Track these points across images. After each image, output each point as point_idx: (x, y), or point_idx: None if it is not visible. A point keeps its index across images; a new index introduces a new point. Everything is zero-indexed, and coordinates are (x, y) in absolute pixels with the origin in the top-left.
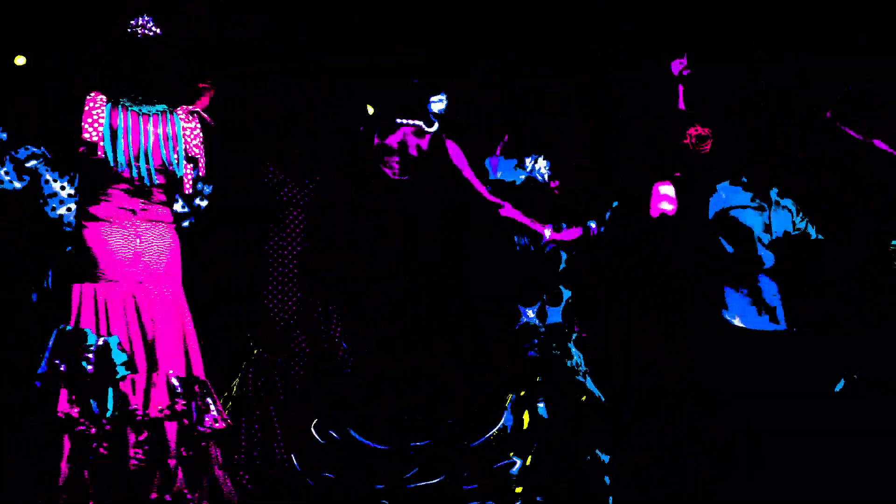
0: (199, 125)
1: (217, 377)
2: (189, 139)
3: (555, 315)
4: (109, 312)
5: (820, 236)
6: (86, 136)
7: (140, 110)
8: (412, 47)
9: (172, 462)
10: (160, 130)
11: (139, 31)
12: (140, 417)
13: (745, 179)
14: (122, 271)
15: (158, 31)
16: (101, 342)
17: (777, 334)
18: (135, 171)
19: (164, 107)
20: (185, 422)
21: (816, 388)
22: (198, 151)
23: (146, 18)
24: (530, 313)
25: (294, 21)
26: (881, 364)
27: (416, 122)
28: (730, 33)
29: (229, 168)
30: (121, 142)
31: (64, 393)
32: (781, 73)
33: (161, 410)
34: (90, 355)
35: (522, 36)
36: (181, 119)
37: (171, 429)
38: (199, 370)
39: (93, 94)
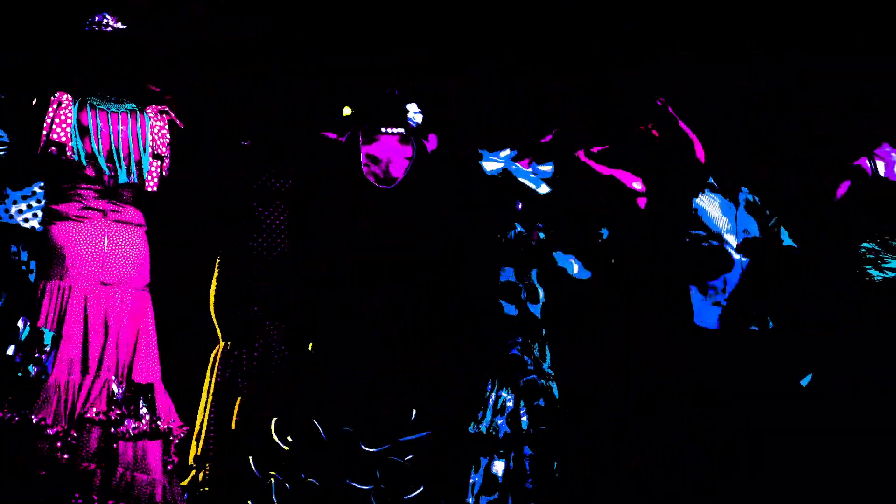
0: (166, 125)
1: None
2: (157, 137)
3: (535, 312)
4: (68, 312)
5: (791, 242)
6: (54, 136)
7: (109, 109)
8: (412, 47)
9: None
10: (129, 129)
11: (97, 28)
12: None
13: (712, 181)
14: (87, 272)
15: (119, 25)
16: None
17: (776, 335)
18: (106, 171)
19: (133, 105)
20: (112, 429)
21: (816, 388)
22: (164, 150)
23: (102, 14)
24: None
25: (294, 21)
26: (881, 364)
27: (400, 130)
28: (730, 33)
29: (217, 166)
30: (93, 142)
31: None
32: (781, 73)
33: (97, 414)
34: (42, 356)
35: (522, 36)
36: (150, 117)
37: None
38: (145, 374)
39: (57, 95)
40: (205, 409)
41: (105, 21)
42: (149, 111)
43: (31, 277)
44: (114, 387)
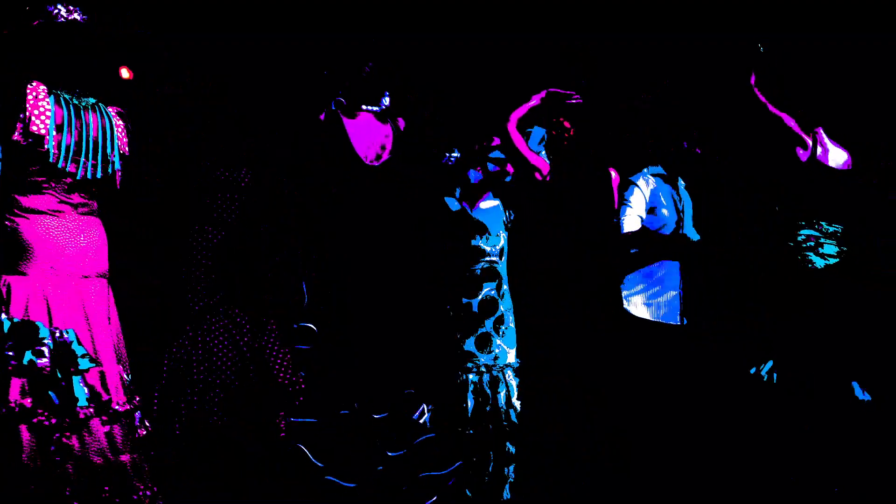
0: (124, 127)
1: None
2: (121, 136)
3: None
4: (54, 307)
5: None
6: (34, 128)
7: (80, 104)
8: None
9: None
10: (99, 125)
11: (52, 19)
12: (116, 409)
13: (661, 170)
14: (71, 265)
15: (75, 17)
16: (58, 335)
17: (774, 336)
18: (82, 167)
19: (94, 100)
20: (124, 420)
21: (816, 388)
22: (125, 150)
23: (55, 5)
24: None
25: (290, 14)
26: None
27: (375, 108)
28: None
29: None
30: (65, 135)
31: (16, 383)
32: (780, 72)
33: (121, 405)
34: (44, 348)
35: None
36: (113, 117)
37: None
38: (127, 368)
39: (34, 84)
40: None
41: (57, 11)
42: (111, 110)
43: None
44: (125, 376)
